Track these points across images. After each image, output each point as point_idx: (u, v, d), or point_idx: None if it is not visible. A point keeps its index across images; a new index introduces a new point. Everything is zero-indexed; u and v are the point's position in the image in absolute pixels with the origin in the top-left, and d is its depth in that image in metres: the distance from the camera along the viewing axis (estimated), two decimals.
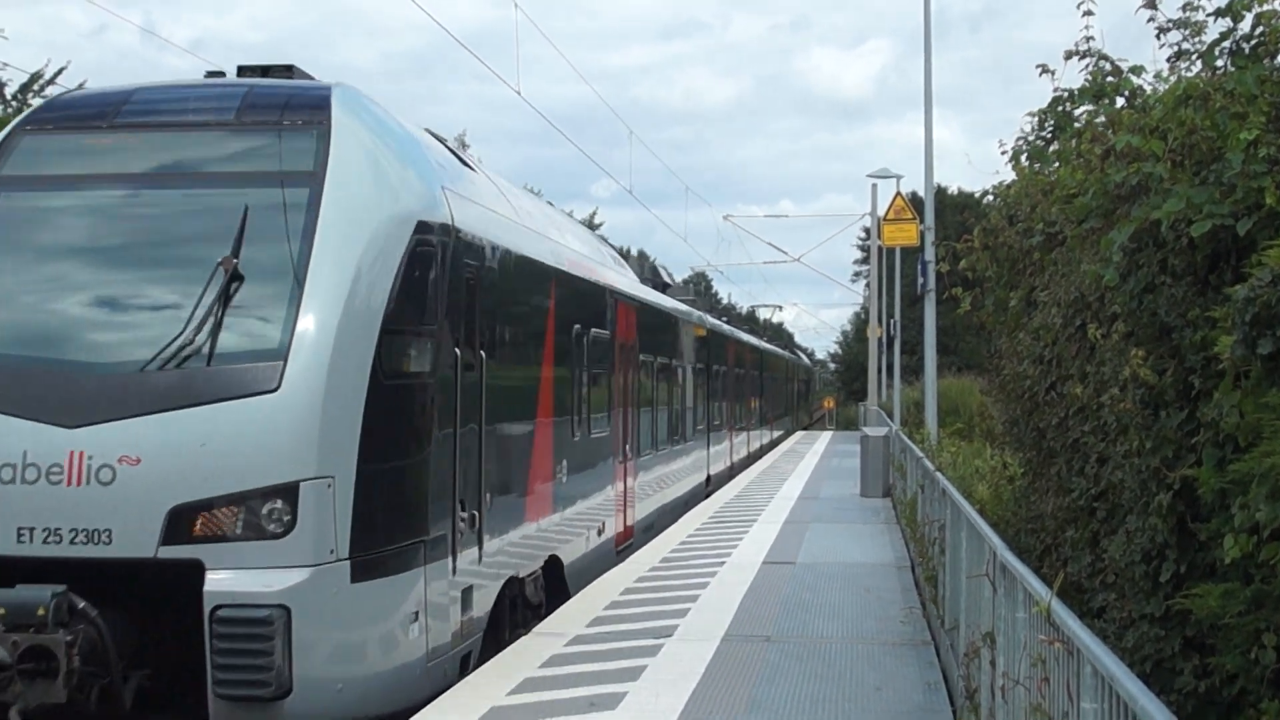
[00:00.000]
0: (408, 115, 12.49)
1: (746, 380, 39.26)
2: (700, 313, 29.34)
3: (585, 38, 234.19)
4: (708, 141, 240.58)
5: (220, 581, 8.59)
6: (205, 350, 9.04)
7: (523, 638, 11.97)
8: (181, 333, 9.06)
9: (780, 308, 69.80)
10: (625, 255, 24.14)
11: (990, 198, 18.61)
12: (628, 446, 18.36)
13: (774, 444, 49.37)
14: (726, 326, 36.21)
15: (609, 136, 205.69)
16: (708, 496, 27.06)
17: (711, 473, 29.37)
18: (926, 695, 10.04)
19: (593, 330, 15.85)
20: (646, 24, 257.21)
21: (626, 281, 19.67)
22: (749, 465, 37.09)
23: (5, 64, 44.84)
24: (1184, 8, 10.32)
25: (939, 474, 14.11)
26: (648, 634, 12.14)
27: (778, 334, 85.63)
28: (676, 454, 24.01)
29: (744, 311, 67.76)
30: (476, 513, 10.72)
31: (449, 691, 9.94)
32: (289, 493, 8.71)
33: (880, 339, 48.55)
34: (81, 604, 8.48)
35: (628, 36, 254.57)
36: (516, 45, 26.10)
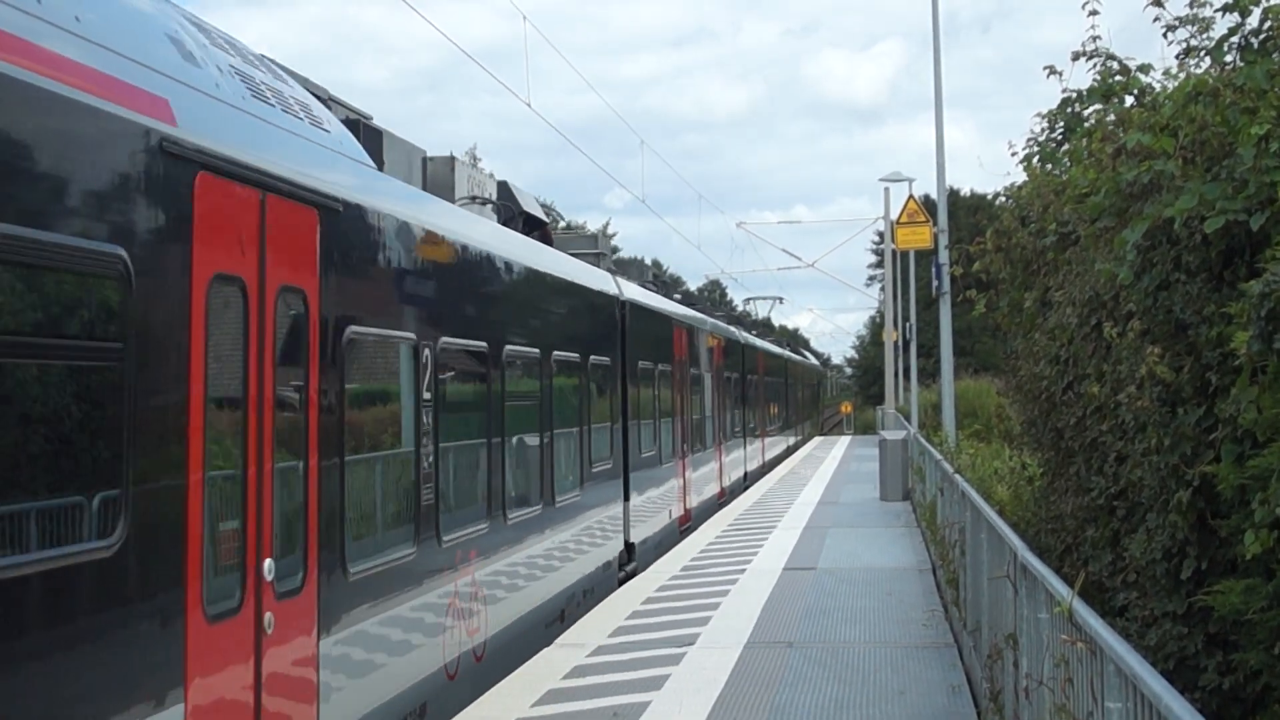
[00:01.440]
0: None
1: (718, 383, 28.45)
2: (626, 281, 19.40)
3: (595, 49, 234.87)
4: (720, 149, 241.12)
5: None
6: None
7: (545, 650, 12.00)
8: None
9: (780, 300, 67.66)
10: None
11: (1003, 199, 18.65)
12: (318, 556, 7.53)
13: (768, 466, 39.50)
14: (672, 305, 24.08)
15: (621, 147, 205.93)
16: (627, 580, 16.71)
17: (635, 539, 18.06)
18: (950, 698, 10.03)
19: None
20: (656, 33, 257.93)
21: (345, 174, 8.46)
22: (721, 508, 26.58)
23: None
24: (1190, 4, 10.34)
25: (958, 476, 14.09)
26: (670, 643, 12.15)
27: (793, 338, 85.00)
28: (530, 526, 12.67)
29: (746, 308, 66.39)
30: None
31: (473, 704, 9.97)
32: None
33: (896, 342, 48.61)
34: None
35: (638, 46, 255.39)
36: (526, 58, 26.17)
